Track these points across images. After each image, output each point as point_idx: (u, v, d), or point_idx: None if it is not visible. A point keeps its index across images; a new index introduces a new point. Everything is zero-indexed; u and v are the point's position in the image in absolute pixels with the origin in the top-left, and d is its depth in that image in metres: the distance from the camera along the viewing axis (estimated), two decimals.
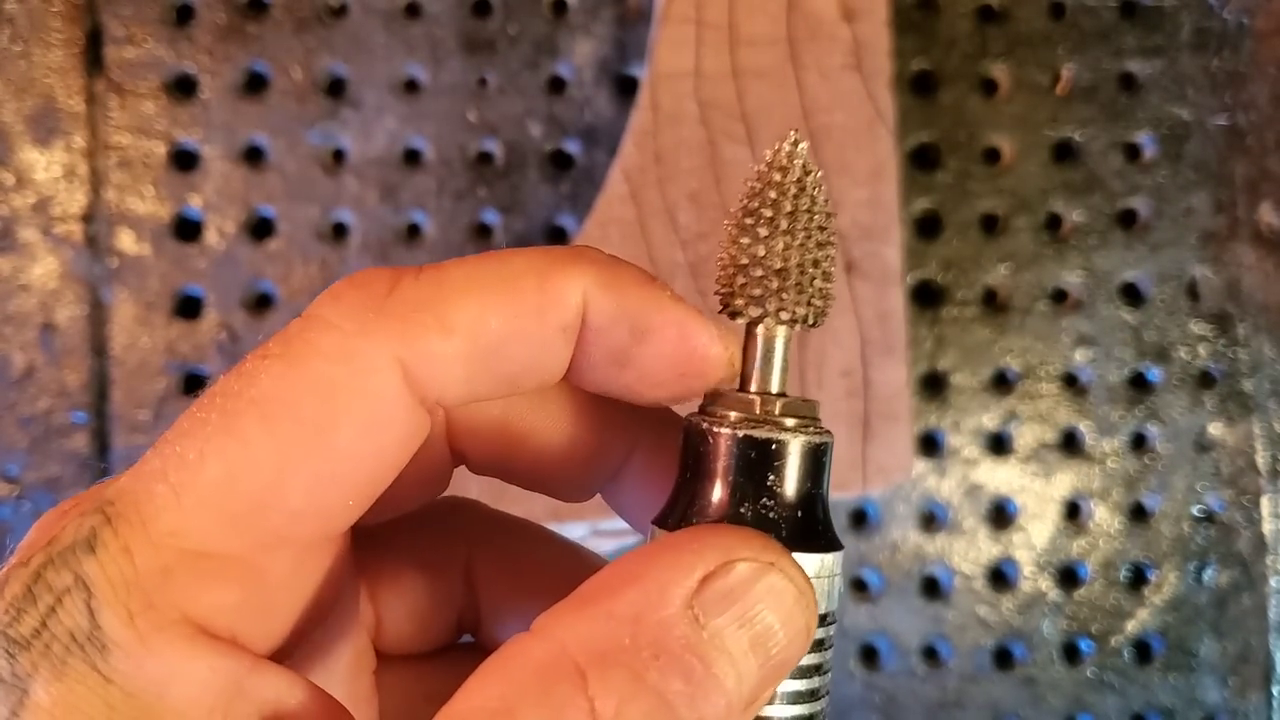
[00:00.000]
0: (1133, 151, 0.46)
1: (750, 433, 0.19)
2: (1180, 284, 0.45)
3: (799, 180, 0.19)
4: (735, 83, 0.42)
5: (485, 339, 0.17)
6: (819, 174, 0.20)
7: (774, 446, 0.19)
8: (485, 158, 0.45)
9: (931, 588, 0.45)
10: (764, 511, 0.18)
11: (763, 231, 0.19)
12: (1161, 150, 0.46)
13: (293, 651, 0.17)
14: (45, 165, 0.44)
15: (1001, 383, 0.45)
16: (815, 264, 0.19)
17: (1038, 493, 0.45)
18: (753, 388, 0.20)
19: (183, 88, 0.45)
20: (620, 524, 0.40)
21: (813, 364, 0.41)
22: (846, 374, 0.41)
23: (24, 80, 0.44)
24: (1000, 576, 0.45)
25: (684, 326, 0.18)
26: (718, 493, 0.19)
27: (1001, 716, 0.44)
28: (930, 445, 0.45)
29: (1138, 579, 0.45)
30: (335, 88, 0.45)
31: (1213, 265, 0.45)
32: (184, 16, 0.45)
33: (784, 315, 0.19)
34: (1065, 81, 0.46)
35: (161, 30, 0.45)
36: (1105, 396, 0.45)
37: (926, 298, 0.45)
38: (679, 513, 0.19)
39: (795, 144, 0.20)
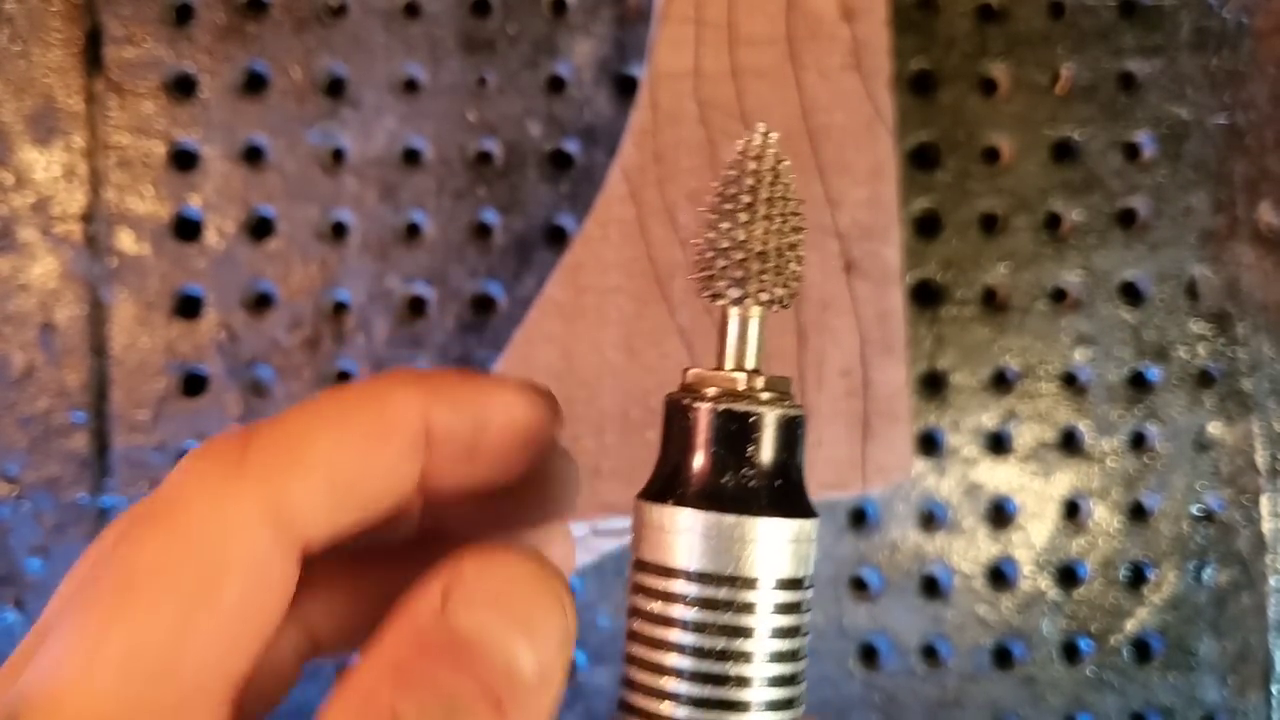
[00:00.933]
0: (1132, 151, 0.46)
1: (730, 406, 0.20)
2: (1179, 283, 0.45)
3: (773, 169, 0.21)
4: (735, 82, 0.42)
5: (341, 473, 0.18)
6: (788, 163, 0.21)
7: (751, 419, 0.20)
8: (485, 157, 0.45)
9: (931, 587, 0.45)
10: (744, 480, 0.20)
11: (743, 216, 0.20)
12: (1161, 149, 0.46)
13: None
14: (44, 165, 0.44)
15: (1001, 382, 0.45)
16: (791, 247, 0.21)
17: (1037, 492, 0.45)
18: (729, 365, 0.21)
19: (182, 87, 0.45)
20: (621, 523, 0.40)
21: (812, 364, 0.41)
22: (846, 374, 0.41)
23: (23, 80, 0.44)
24: (1000, 576, 0.45)
25: (515, 398, 0.20)
26: (699, 464, 0.20)
27: (1001, 715, 0.44)
28: (929, 444, 0.45)
29: (1137, 578, 0.45)
30: (334, 87, 0.45)
31: (1212, 264, 0.45)
32: (183, 16, 0.45)
33: (763, 296, 0.20)
34: (1064, 81, 0.46)
35: (161, 30, 0.45)
36: (1104, 396, 0.45)
37: (926, 297, 0.45)
38: (662, 485, 0.20)
39: (766, 134, 0.21)
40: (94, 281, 0.44)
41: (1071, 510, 0.45)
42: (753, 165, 0.21)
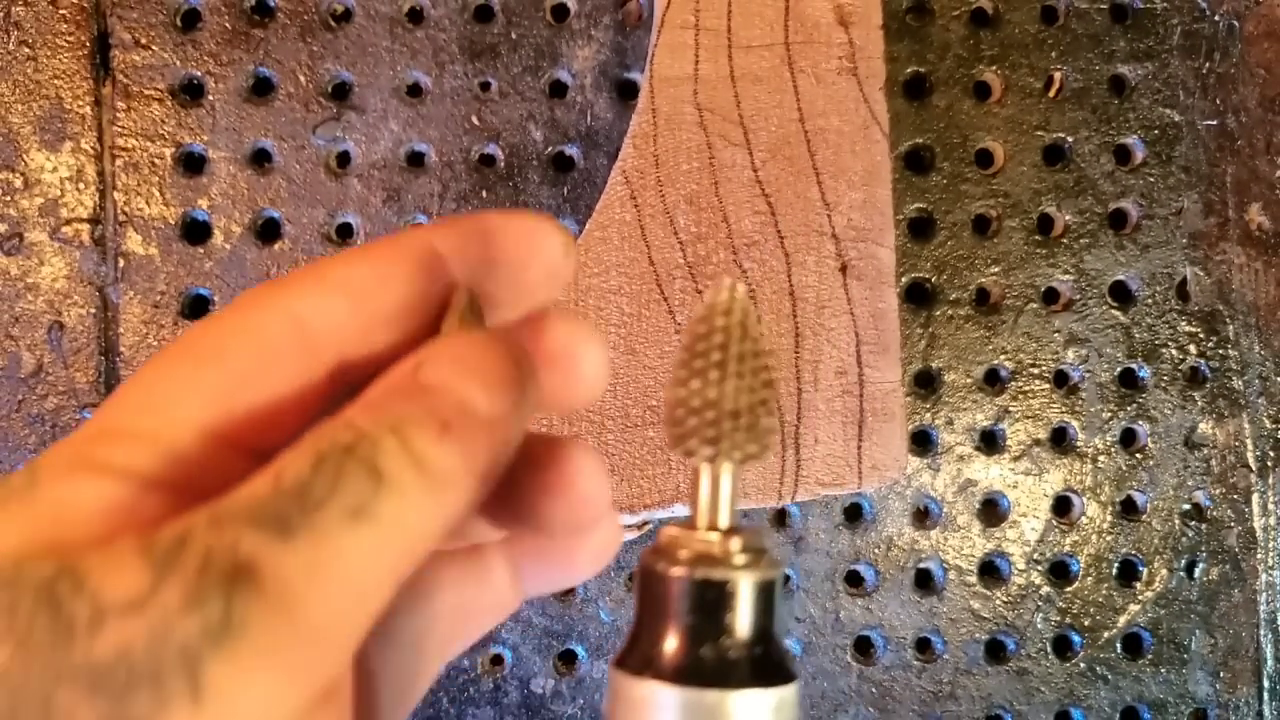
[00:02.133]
0: (1123, 154, 0.46)
1: (705, 574, 0.19)
2: (1170, 284, 0.46)
3: (741, 323, 0.20)
4: (733, 87, 0.42)
5: (354, 282, 0.20)
6: (756, 314, 0.21)
7: (729, 587, 0.19)
8: (487, 161, 0.45)
9: (925, 582, 0.45)
10: (724, 651, 0.19)
11: (713, 375, 0.20)
12: (1152, 152, 0.46)
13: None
14: (53, 168, 0.45)
15: (993, 381, 0.45)
16: (762, 403, 0.20)
17: (1029, 489, 0.45)
18: (702, 524, 0.20)
19: (190, 92, 0.45)
20: (625, 520, 0.40)
21: (808, 363, 0.41)
22: (841, 373, 0.41)
23: (32, 84, 0.45)
24: (992, 571, 0.45)
25: (525, 223, 0.21)
26: (677, 635, 0.19)
27: (994, 709, 0.45)
28: (923, 442, 0.45)
29: (1128, 574, 0.45)
30: (340, 92, 0.45)
31: (1202, 265, 0.46)
32: (190, 21, 0.45)
33: (736, 455, 0.20)
34: (1056, 85, 0.46)
35: (168, 35, 0.45)
36: (1096, 394, 0.45)
37: (919, 298, 0.45)
38: (640, 656, 0.20)
39: (733, 288, 0.21)
40: (102, 283, 0.44)
41: (1063, 507, 0.45)
42: (721, 321, 0.20)
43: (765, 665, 0.19)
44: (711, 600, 0.19)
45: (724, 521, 0.20)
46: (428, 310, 0.21)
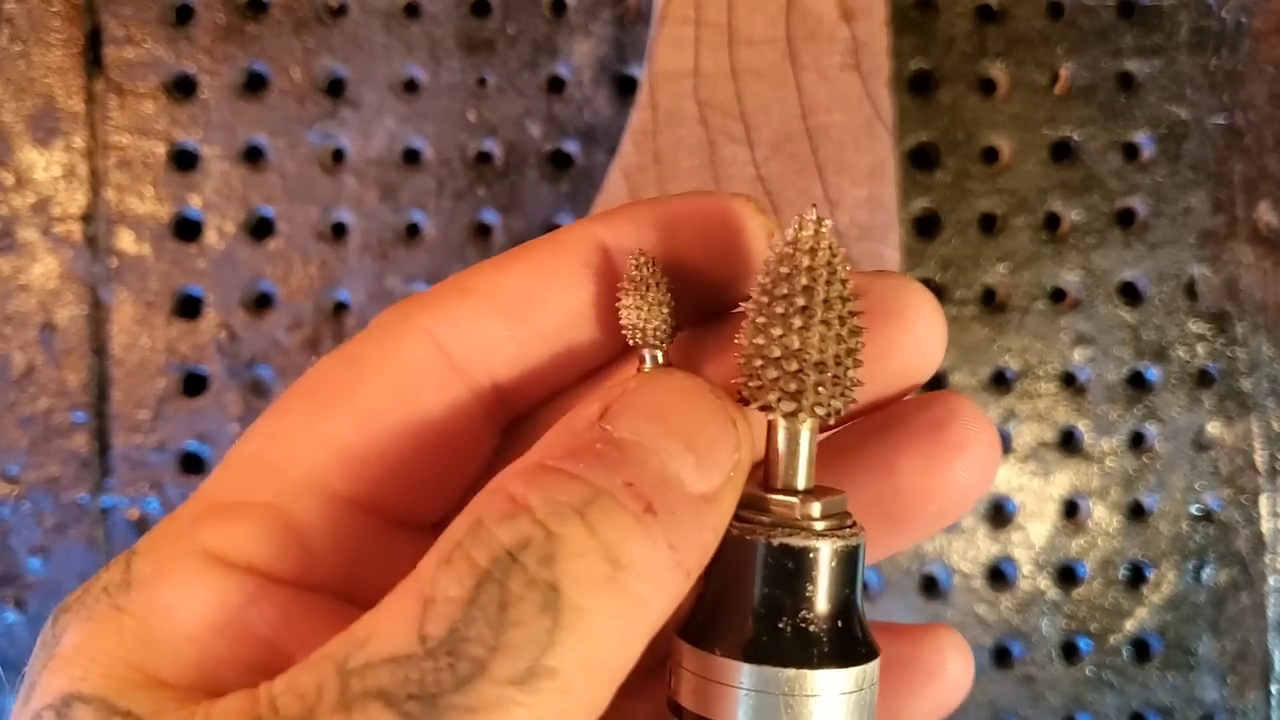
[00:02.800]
0: (1131, 151, 0.46)
1: (785, 540, 0.17)
2: (1178, 283, 0.45)
3: (829, 264, 0.18)
4: (734, 82, 0.42)
5: (505, 294, 0.17)
6: (844, 253, 0.18)
7: (810, 555, 0.17)
8: (484, 157, 0.45)
9: (930, 586, 0.45)
10: (803, 625, 0.17)
11: (796, 322, 0.18)
12: (1160, 149, 0.46)
13: (339, 588, 0.17)
14: (45, 165, 0.44)
15: (1000, 382, 0.45)
16: (849, 353, 0.18)
17: (1036, 492, 0.45)
18: (779, 484, 0.18)
19: (182, 88, 0.45)
20: None
21: None
22: None
23: (23, 80, 0.44)
24: (999, 575, 0.45)
25: (718, 202, 0.18)
26: (752, 606, 0.17)
27: (1000, 715, 0.44)
28: None
29: (1136, 578, 0.45)
30: (335, 88, 0.45)
31: (1211, 264, 0.45)
32: (183, 17, 0.45)
33: (819, 410, 0.18)
34: (1063, 81, 0.46)
35: (161, 30, 0.45)
36: (1103, 395, 0.45)
37: None
38: (710, 627, 0.18)
39: (819, 222, 0.18)
40: (94, 281, 0.44)
41: (1071, 510, 0.45)
42: (806, 261, 0.18)
43: (847, 641, 0.18)
44: (791, 569, 0.17)
45: (803, 482, 0.18)
46: (600, 320, 0.18)
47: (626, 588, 0.13)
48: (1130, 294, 0.46)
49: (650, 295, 0.18)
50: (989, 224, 0.45)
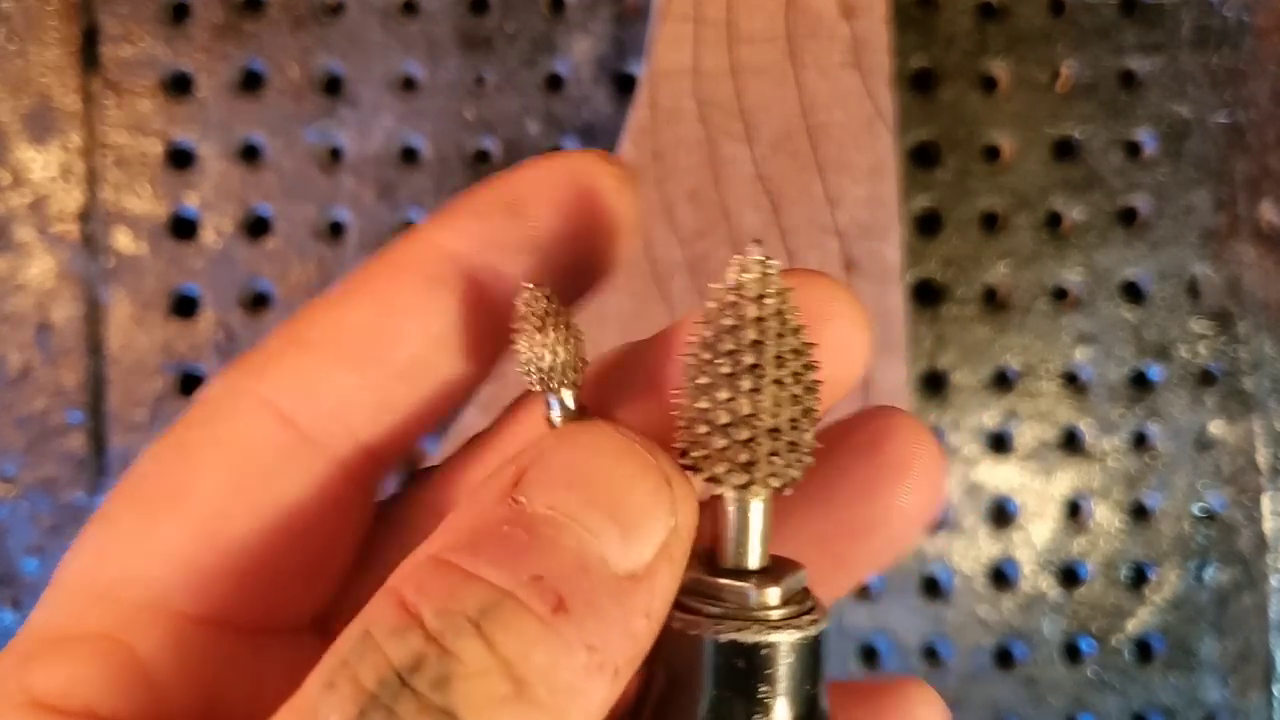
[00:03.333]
0: (1133, 149, 0.46)
1: (734, 637, 0.15)
2: (1181, 282, 0.45)
3: (779, 313, 0.16)
4: (734, 80, 0.42)
5: (348, 336, 0.15)
6: (792, 293, 0.16)
7: (764, 652, 0.15)
8: (483, 156, 0.45)
9: (931, 587, 0.44)
10: None
11: (745, 383, 0.15)
12: (1162, 147, 0.45)
13: (200, 716, 0.15)
14: (41, 164, 0.44)
15: (1001, 381, 0.45)
16: (806, 413, 0.16)
17: (1038, 491, 0.45)
18: (729, 563, 0.16)
19: (179, 86, 0.45)
20: None
21: None
22: None
23: (20, 79, 0.44)
24: (1000, 576, 0.45)
25: (560, 165, 0.16)
26: (700, 711, 0.15)
27: (1002, 716, 0.44)
28: None
29: (1138, 578, 0.45)
30: (332, 86, 0.45)
31: (1213, 263, 0.45)
32: (180, 15, 0.45)
33: (774, 481, 0.16)
34: (1065, 78, 0.46)
35: (158, 28, 0.44)
36: (1105, 395, 0.45)
37: (926, 296, 0.45)
38: None
39: (765, 263, 0.16)
40: (91, 281, 0.44)
41: (1073, 510, 0.45)
42: (752, 311, 0.15)
43: None
44: (742, 669, 0.15)
45: (756, 561, 0.16)
46: (468, 338, 0.15)
47: (536, 704, 0.12)
48: (1132, 293, 0.45)
49: (550, 333, 0.16)
50: (990, 222, 0.45)
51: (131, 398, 0.44)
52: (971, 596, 0.44)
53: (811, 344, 0.16)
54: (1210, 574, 0.45)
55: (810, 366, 0.16)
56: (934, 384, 0.45)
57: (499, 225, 0.15)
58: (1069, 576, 0.45)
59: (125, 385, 0.44)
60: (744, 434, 0.15)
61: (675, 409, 0.16)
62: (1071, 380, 0.45)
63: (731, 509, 0.16)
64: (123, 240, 0.44)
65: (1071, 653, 0.45)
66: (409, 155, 0.44)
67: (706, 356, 0.16)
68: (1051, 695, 0.44)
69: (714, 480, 0.16)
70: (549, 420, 0.16)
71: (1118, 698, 0.44)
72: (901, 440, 0.17)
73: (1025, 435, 0.45)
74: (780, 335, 0.16)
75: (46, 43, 0.44)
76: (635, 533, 0.13)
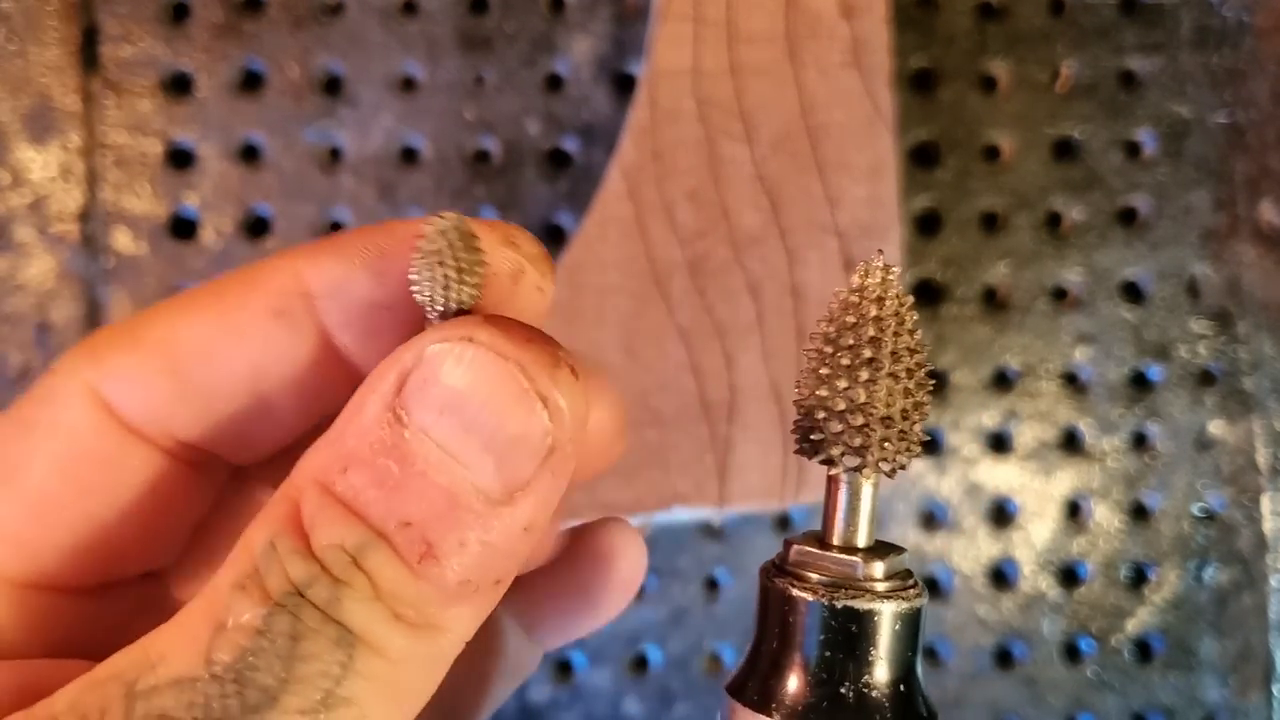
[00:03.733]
0: (1133, 149, 0.46)
1: (847, 602, 0.17)
2: (1180, 282, 0.45)
3: (896, 313, 0.18)
4: (733, 80, 0.42)
5: (178, 345, 0.15)
6: (911, 301, 0.18)
7: (874, 618, 0.17)
8: (482, 156, 0.44)
9: (931, 587, 0.44)
10: (865, 690, 0.17)
11: (863, 374, 0.17)
12: (1161, 147, 0.45)
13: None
14: (41, 164, 0.44)
15: (1001, 381, 0.45)
16: (916, 406, 0.18)
17: (1038, 491, 0.45)
18: (839, 541, 0.18)
19: (179, 86, 0.45)
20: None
21: None
22: None
23: (19, 79, 0.44)
24: (1000, 576, 0.45)
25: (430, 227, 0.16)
26: (808, 669, 0.17)
27: (1001, 716, 0.44)
28: (930, 444, 0.45)
29: (1138, 578, 0.45)
30: (332, 86, 0.45)
31: (1213, 263, 0.45)
32: (180, 14, 0.45)
33: (884, 466, 0.18)
34: (1065, 79, 0.46)
35: (158, 28, 0.44)
36: (1105, 395, 0.45)
37: (926, 295, 0.45)
38: (763, 687, 0.17)
39: (888, 269, 0.18)
40: (91, 281, 0.44)
41: (1072, 510, 0.45)
42: (873, 310, 0.17)
43: (909, 708, 0.17)
44: (853, 632, 0.17)
45: (864, 540, 0.18)
46: (301, 378, 0.16)
47: (414, 625, 0.13)
48: (1132, 293, 0.45)
49: (450, 268, 0.15)
50: (990, 222, 0.45)
51: None
52: (971, 596, 0.44)
53: (925, 346, 0.18)
54: (1210, 574, 0.45)
55: (922, 366, 0.18)
56: (934, 383, 0.45)
57: (359, 275, 0.16)
58: (1069, 576, 0.45)
59: None
60: (859, 420, 0.17)
61: (796, 398, 0.18)
62: (1071, 380, 0.45)
63: (844, 490, 0.18)
64: (122, 240, 0.44)
65: (1071, 653, 0.45)
66: (409, 155, 0.44)
67: (829, 350, 0.17)
68: (1051, 695, 0.44)
69: (829, 462, 0.18)
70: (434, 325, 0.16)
71: (1117, 698, 0.44)
72: (618, 559, 0.19)
73: (1025, 435, 0.45)
74: (897, 334, 0.17)
75: (46, 43, 0.44)
76: (511, 456, 0.13)
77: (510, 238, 0.17)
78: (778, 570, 0.18)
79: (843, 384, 0.17)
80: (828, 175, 0.41)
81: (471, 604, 0.13)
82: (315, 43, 0.44)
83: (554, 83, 0.45)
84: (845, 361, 0.17)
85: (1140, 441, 0.45)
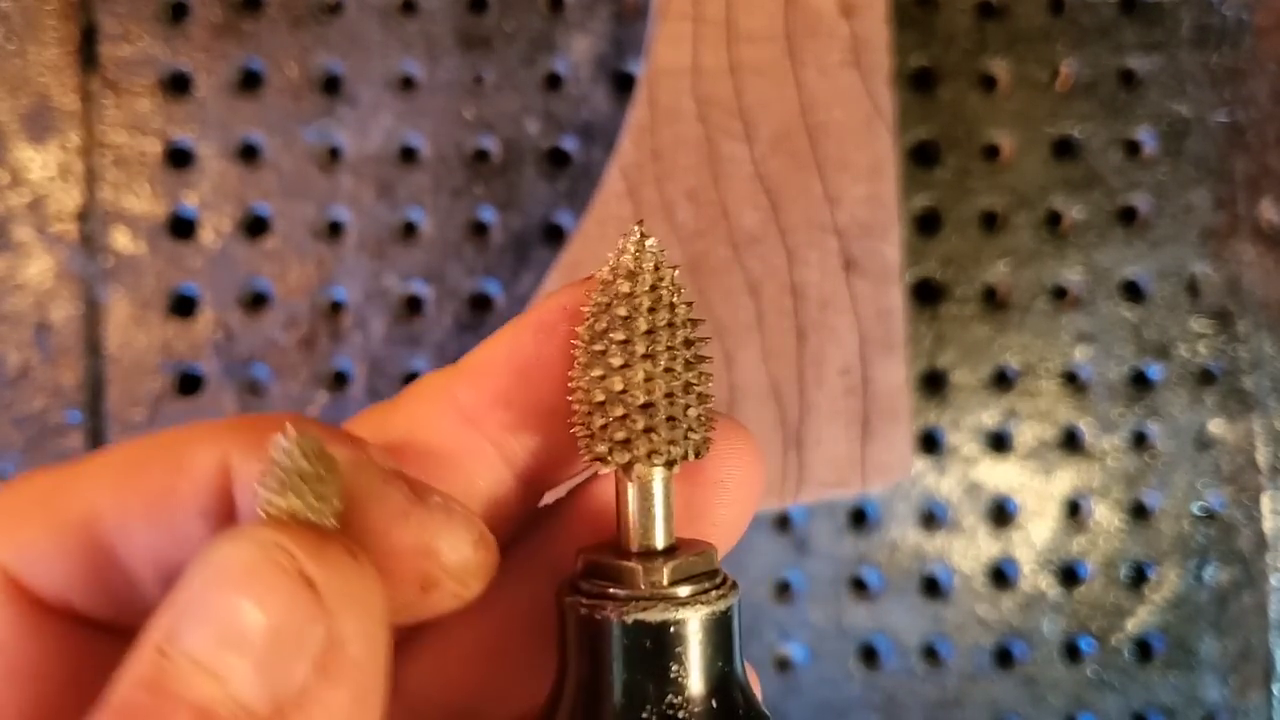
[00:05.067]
0: (1133, 148, 0.46)
1: (641, 616, 0.15)
2: (1180, 281, 0.45)
3: (652, 288, 0.16)
4: (733, 79, 0.41)
5: (96, 528, 0.14)
6: (675, 272, 0.16)
7: (672, 630, 0.15)
8: (482, 155, 0.44)
9: (931, 587, 0.44)
10: (669, 712, 0.15)
11: (616, 360, 0.15)
12: (1161, 146, 0.45)
13: None
14: (40, 164, 0.44)
15: (1001, 380, 0.45)
16: (686, 388, 0.16)
17: (1038, 491, 0.45)
18: (634, 545, 0.16)
19: (178, 85, 0.45)
20: None
21: (812, 362, 0.41)
22: (845, 372, 0.41)
23: (18, 78, 0.44)
24: (1000, 575, 0.45)
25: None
26: (613, 694, 0.15)
27: (1002, 715, 0.44)
28: (930, 443, 0.45)
29: (1138, 577, 0.45)
30: (331, 85, 0.44)
31: (1213, 262, 0.45)
32: (179, 14, 0.44)
33: (657, 458, 0.16)
34: (1065, 77, 0.46)
35: (156, 27, 0.44)
36: (1105, 394, 0.45)
37: (926, 295, 0.45)
38: (567, 715, 0.16)
39: (642, 239, 0.16)
40: (89, 280, 0.44)
41: (1072, 509, 0.45)
42: (624, 286, 0.16)
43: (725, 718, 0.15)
44: (650, 649, 0.15)
45: (661, 540, 0.16)
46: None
47: None
48: (1132, 292, 0.45)
49: (290, 498, 0.14)
50: (990, 221, 0.45)
51: (130, 397, 0.44)
52: (971, 596, 0.44)
53: (695, 320, 0.16)
54: (1210, 573, 0.45)
55: (690, 342, 0.16)
56: (934, 383, 0.45)
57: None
58: (1069, 576, 0.45)
59: (124, 385, 0.44)
60: (618, 410, 0.15)
61: (571, 394, 0.16)
62: (1071, 379, 0.45)
63: (631, 489, 0.16)
64: (121, 240, 0.44)
65: (1071, 652, 0.45)
66: (408, 154, 0.44)
67: (586, 338, 0.16)
68: (1051, 695, 0.44)
69: (600, 460, 0.16)
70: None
71: (1117, 697, 0.44)
72: (719, 457, 0.17)
73: (1025, 434, 0.45)
74: (653, 310, 0.16)
75: (45, 42, 0.44)
76: (272, 659, 0.12)
77: (427, 544, 0.14)
78: (570, 586, 0.16)
79: (598, 372, 0.16)
80: (827, 174, 0.41)
81: None
82: (314, 42, 0.44)
83: (553, 82, 0.45)
84: (599, 348, 0.16)
85: (1140, 441, 0.45)
